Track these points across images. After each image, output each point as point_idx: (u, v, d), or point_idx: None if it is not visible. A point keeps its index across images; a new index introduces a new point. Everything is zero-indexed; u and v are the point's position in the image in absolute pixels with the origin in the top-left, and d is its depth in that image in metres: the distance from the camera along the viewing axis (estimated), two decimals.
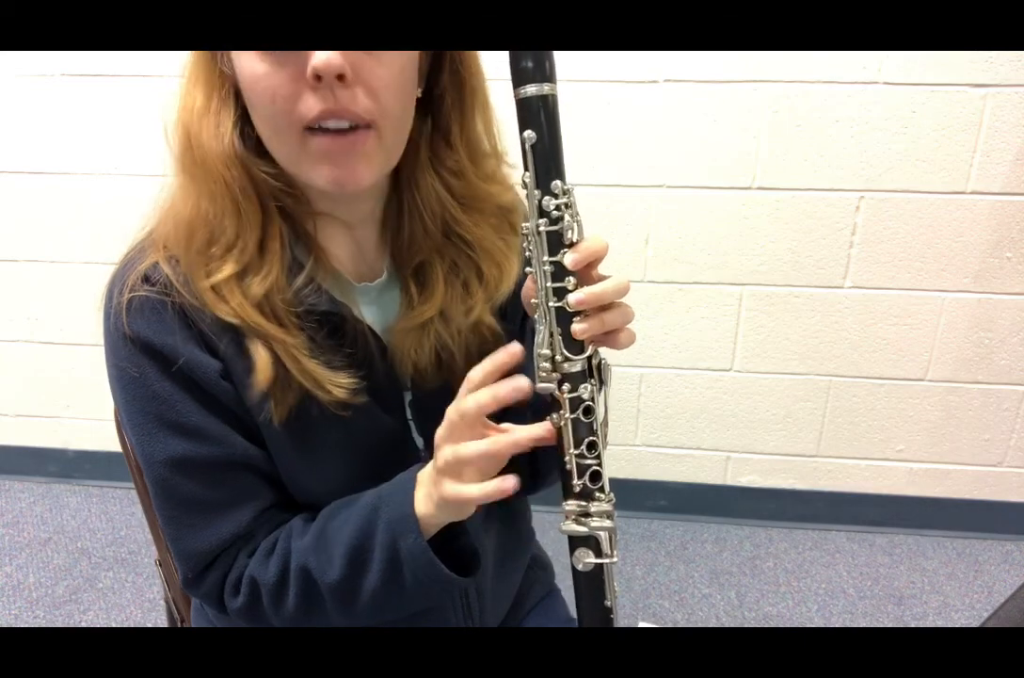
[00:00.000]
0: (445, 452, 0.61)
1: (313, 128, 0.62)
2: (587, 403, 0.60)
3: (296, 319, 0.68)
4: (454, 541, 0.68)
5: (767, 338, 1.94)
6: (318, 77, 0.59)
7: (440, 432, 0.63)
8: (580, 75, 1.74)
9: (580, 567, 0.62)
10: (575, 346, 0.60)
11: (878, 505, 2.07)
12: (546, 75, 0.57)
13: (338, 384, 0.68)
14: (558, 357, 0.60)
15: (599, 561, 0.62)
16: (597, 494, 0.61)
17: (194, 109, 0.65)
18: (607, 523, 0.62)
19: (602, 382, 0.62)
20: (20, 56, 1.86)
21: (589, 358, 0.61)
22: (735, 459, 2.08)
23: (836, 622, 1.78)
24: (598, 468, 0.61)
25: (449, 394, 0.75)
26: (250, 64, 0.61)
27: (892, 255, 1.84)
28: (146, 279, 0.67)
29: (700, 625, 1.76)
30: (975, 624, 1.72)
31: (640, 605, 1.83)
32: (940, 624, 1.76)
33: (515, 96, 0.58)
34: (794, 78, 1.71)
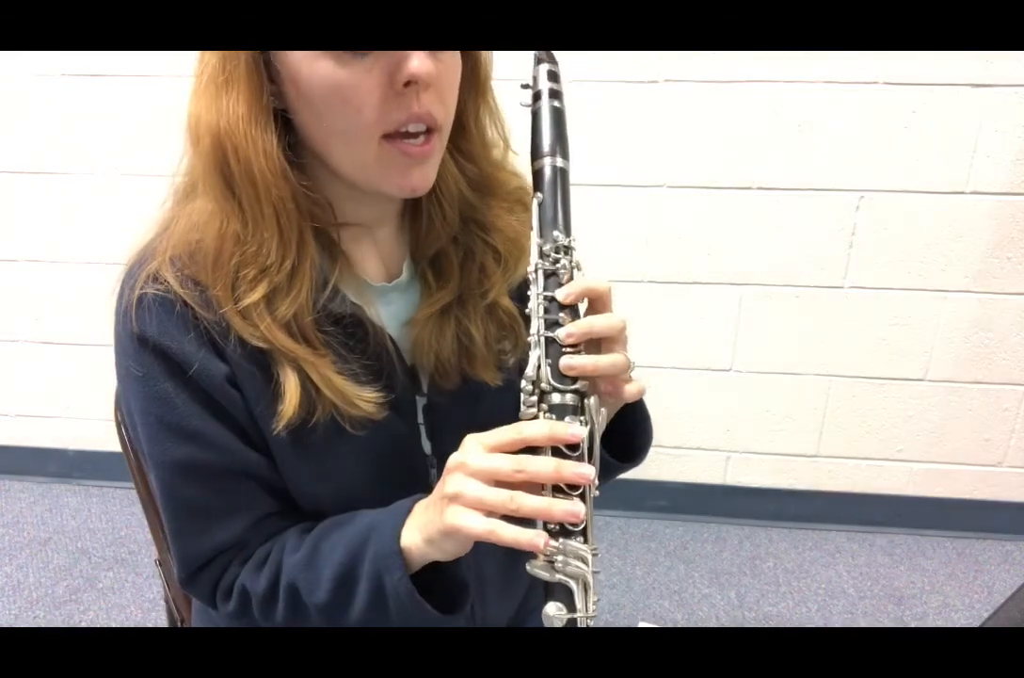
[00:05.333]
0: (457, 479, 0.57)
1: (389, 134, 0.62)
2: None
3: (321, 334, 0.67)
4: (445, 571, 0.65)
5: (767, 338, 1.94)
6: (407, 84, 0.59)
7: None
8: (580, 75, 1.74)
9: (554, 624, 0.55)
10: (564, 378, 0.59)
11: (878, 505, 2.07)
12: (559, 152, 0.64)
13: (365, 399, 0.67)
14: (544, 385, 0.59)
15: (571, 616, 0.54)
16: (576, 537, 0.56)
17: (237, 121, 0.61)
18: (581, 568, 0.55)
19: (592, 422, 0.59)
20: (20, 56, 1.86)
21: (578, 392, 0.59)
22: (735, 459, 2.08)
23: (836, 622, 1.78)
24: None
25: (462, 397, 0.75)
26: (329, 72, 0.59)
27: (892, 255, 1.84)
28: (156, 278, 0.66)
29: (700, 625, 1.76)
30: (975, 624, 1.72)
31: (640, 605, 1.83)
32: (940, 624, 1.76)
33: (532, 166, 0.64)
34: (794, 78, 1.71)
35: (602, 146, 1.79)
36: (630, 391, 0.64)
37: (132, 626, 1.74)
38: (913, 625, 1.76)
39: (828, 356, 1.94)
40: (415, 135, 0.63)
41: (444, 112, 0.64)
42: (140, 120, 1.85)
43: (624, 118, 1.78)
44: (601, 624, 1.77)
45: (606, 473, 0.74)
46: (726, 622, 1.78)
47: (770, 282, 1.89)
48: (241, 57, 0.60)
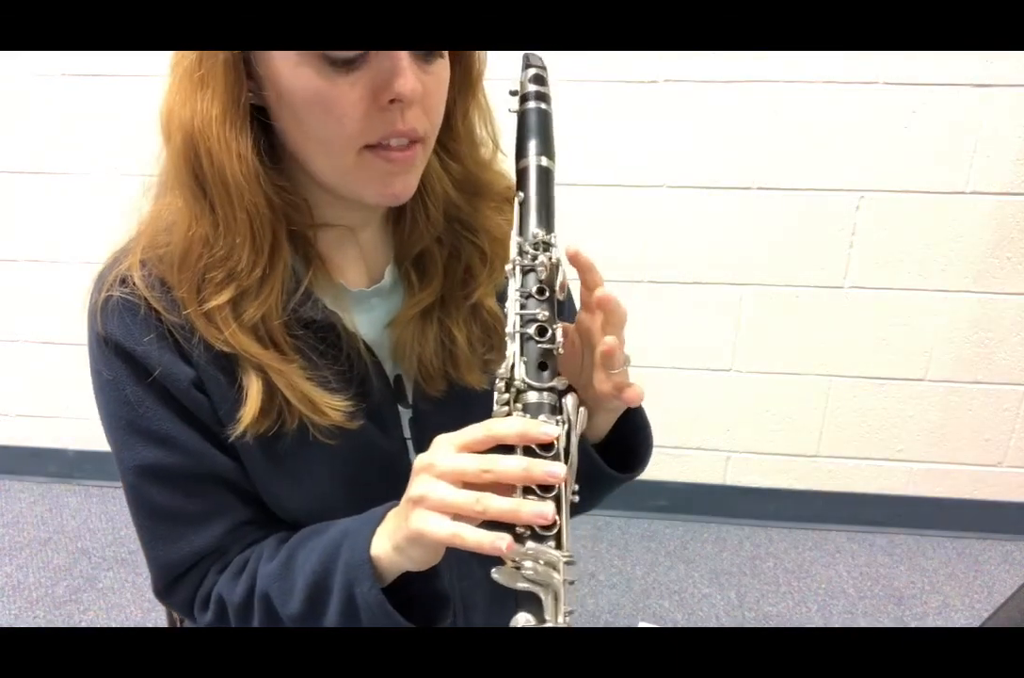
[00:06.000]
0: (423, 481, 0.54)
1: (370, 145, 0.61)
2: None
3: (291, 339, 0.65)
4: (424, 583, 0.62)
5: (767, 338, 1.94)
6: (393, 101, 0.58)
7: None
8: (580, 75, 1.74)
9: None
10: (540, 376, 0.56)
11: (878, 505, 2.07)
12: (543, 151, 0.62)
13: (334, 406, 0.65)
14: (519, 383, 0.56)
15: (539, 627, 0.51)
16: (547, 542, 0.51)
17: (210, 121, 0.59)
18: (553, 576, 0.50)
19: (569, 422, 0.56)
20: (20, 56, 1.86)
21: (555, 391, 0.56)
22: (735, 459, 2.08)
23: (836, 622, 1.78)
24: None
25: (450, 409, 0.73)
26: (310, 81, 0.57)
27: (892, 255, 1.84)
28: (123, 281, 0.65)
29: (700, 625, 1.76)
30: (975, 624, 1.72)
31: (640, 605, 1.83)
32: (940, 624, 1.77)
33: (516, 165, 0.64)
34: (794, 78, 1.72)
35: (602, 146, 1.79)
36: (634, 393, 0.62)
37: (132, 626, 1.74)
38: (913, 625, 1.76)
39: (828, 356, 1.94)
40: (397, 148, 0.62)
41: (429, 125, 0.63)
42: (140, 120, 1.83)
43: (624, 118, 1.78)
44: (601, 624, 1.77)
45: (606, 485, 0.73)
46: (726, 622, 1.78)
47: (770, 282, 1.89)
48: (219, 55, 0.58)
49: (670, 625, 1.76)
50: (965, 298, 1.86)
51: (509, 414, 0.56)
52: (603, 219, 1.85)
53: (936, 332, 1.90)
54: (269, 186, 0.62)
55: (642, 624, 1.75)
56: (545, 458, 0.53)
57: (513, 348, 0.57)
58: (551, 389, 0.56)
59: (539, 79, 0.65)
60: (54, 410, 2.22)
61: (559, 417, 0.55)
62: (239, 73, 0.59)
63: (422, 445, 0.72)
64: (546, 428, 0.53)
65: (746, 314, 1.92)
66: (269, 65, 0.59)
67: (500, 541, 0.50)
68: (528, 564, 0.51)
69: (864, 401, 1.98)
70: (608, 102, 1.77)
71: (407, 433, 0.74)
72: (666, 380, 1.99)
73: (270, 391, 0.64)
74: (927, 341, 1.91)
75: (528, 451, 0.53)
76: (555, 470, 0.51)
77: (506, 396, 0.56)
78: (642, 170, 1.81)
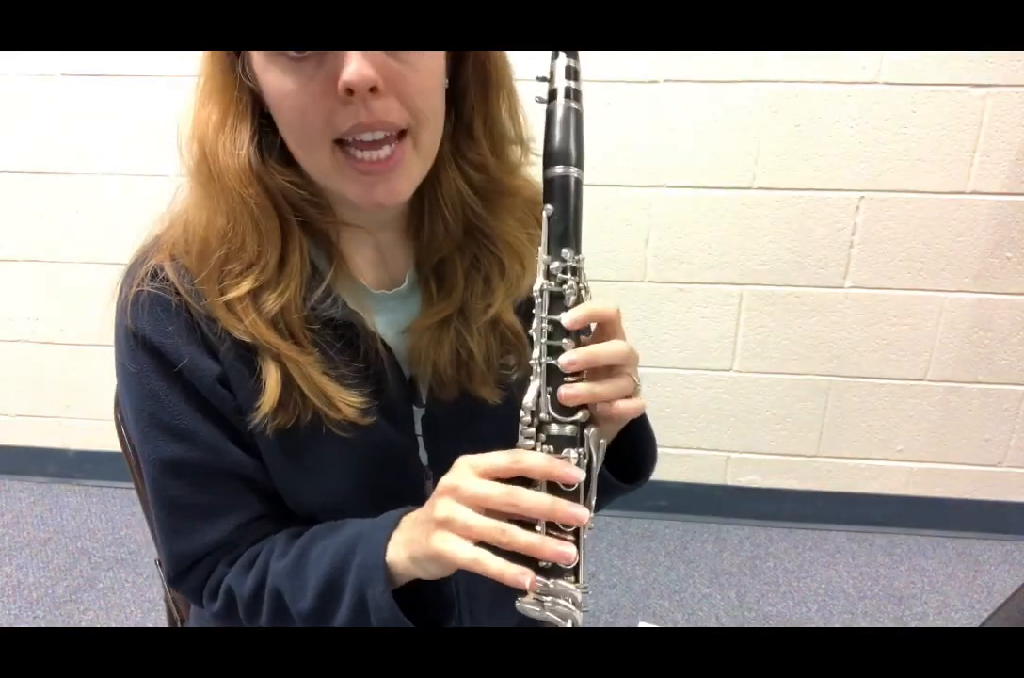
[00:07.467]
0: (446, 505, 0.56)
1: (344, 140, 0.61)
2: None
3: (310, 333, 0.66)
4: (432, 587, 0.63)
5: (767, 338, 1.94)
6: (350, 91, 0.57)
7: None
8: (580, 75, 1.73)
9: None
10: (563, 409, 0.57)
11: (878, 505, 2.07)
12: (574, 161, 0.58)
13: (349, 402, 0.66)
14: (543, 416, 0.57)
15: None
16: (567, 575, 0.54)
17: (209, 123, 0.63)
18: (572, 610, 0.53)
19: (590, 455, 0.57)
20: (20, 56, 1.86)
21: (578, 424, 0.57)
22: (735, 459, 2.08)
23: (836, 622, 1.78)
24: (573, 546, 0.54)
25: (462, 410, 0.74)
26: (276, 80, 0.59)
27: (892, 255, 1.84)
28: (154, 275, 0.66)
29: (700, 625, 1.76)
30: (975, 624, 1.72)
31: (640, 605, 1.83)
32: (940, 624, 1.76)
33: (544, 175, 0.59)
34: (794, 78, 1.71)
35: (602, 146, 1.79)
36: (625, 407, 0.60)
37: (132, 626, 1.74)
38: (913, 625, 1.76)
39: (828, 356, 1.94)
40: (376, 145, 0.61)
41: (412, 116, 0.61)
42: (140, 120, 1.85)
43: (624, 118, 1.78)
44: (601, 624, 1.77)
45: (607, 494, 0.73)
46: (726, 622, 1.78)
47: (770, 282, 1.89)
48: (220, 59, 0.62)
49: (670, 625, 1.76)
50: (965, 298, 1.86)
51: (534, 448, 0.57)
52: (603, 219, 1.85)
53: (936, 332, 1.90)
54: (271, 179, 0.64)
55: (642, 624, 1.75)
56: (566, 492, 0.55)
57: (539, 381, 0.58)
58: (574, 422, 0.57)
59: (573, 72, 0.60)
60: (54, 410, 2.22)
61: (581, 450, 0.57)
62: (235, 74, 0.62)
63: (432, 443, 0.75)
64: (571, 470, 0.55)
65: (746, 314, 1.92)
66: (254, 69, 0.61)
67: (523, 576, 0.52)
68: (549, 598, 0.54)
69: (864, 401, 1.98)
70: (608, 102, 1.77)
71: (419, 430, 0.75)
72: (666, 380, 1.99)
73: (287, 382, 0.65)
74: (927, 341, 1.91)
75: (551, 484, 0.55)
76: (580, 514, 0.54)
77: (531, 430, 0.57)
78: (642, 170, 1.81)
